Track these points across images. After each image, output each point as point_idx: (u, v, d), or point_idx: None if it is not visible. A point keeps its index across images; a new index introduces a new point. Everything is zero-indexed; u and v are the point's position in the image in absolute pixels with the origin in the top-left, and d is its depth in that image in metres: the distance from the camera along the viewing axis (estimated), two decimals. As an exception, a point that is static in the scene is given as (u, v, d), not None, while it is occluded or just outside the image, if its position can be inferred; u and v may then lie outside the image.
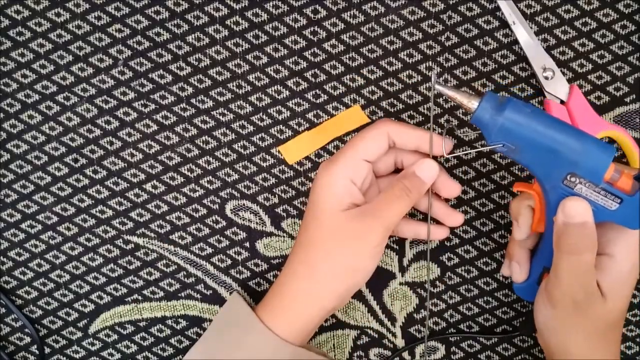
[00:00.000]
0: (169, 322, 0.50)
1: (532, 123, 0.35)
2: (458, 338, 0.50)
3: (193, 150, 0.48)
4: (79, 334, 0.50)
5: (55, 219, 0.49)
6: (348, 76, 0.47)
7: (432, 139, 0.41)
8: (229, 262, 0.50)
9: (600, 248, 0.38)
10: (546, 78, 0.45)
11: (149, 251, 0.49)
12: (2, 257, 0.49)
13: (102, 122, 0.48)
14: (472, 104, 0.37)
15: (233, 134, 0.48)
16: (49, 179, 0.48)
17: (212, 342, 0.44)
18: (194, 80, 0.47)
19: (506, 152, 0.37)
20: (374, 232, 0.40)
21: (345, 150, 0.42)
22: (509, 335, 0.50)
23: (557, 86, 0.45)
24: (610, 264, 0.38)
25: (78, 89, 0.47)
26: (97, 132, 0.48)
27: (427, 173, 0.41)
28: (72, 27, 0.47)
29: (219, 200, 0.49)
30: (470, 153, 0.46)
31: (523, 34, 0.46)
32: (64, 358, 0.50)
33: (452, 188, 0.43)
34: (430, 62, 0.47)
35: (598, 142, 0.36)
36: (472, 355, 0.50)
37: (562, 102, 0.46)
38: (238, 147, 0.48)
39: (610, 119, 0.48)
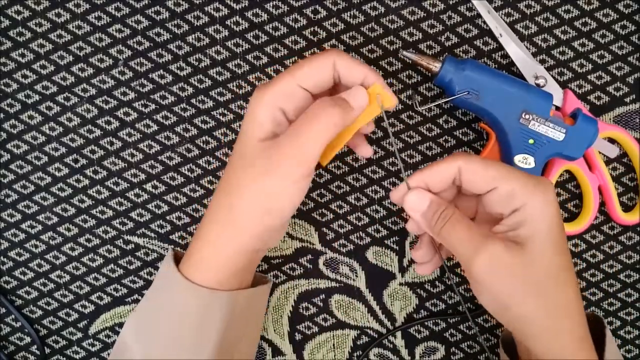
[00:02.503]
0: (169, 322, 0.50)
1: (490, 72, 0.43)
2: (458, 338, 0.50)
3: (193, 151, 0.48)
4: (79, 335, 0.50)
5: (55, 219, 0.49)
6: (348, 76, 0.47)
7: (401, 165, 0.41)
8: (229, 262, 0.49)
9: (512, 206, 0.36)
10: (538, 85, 0.46)
11: (149, 251, 0.49)
12: (2, 257, 0.49)
13: (102, 122, 0.48)
14: (435, 66, 0.43)
15: (233, 134, 0.48)
16: (49, 179, 0.48)
17: (145, 305, 0.41)
18: (194, 80, 0.47)
19: (471, 99, 0.43)
20: (290, 163, 0.35)
21: (282, 74, 0.37)
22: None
23: (550, 92, 0.44)
24: (520, 216, 0.36)
25: (78, 90, 0.47)
26: (98, 132, 0.48)
27: (356, 100, 0.37)
28: (73, 27, 0.47)
29: (219, 201, 0.49)
30: (440, 104, 0.46)
31: (511, 45, 0.46)
32: (64, 358, 0.50)
33: (366, 150, 0.43)
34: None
35: (539, 89, 0.44)
36: (472, 356, 0.50)
37: (557, 108, 0.46)
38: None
39: (610, 119, 0.48)
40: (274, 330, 0.50)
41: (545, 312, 0.36)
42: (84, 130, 0.48)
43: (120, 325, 0.50)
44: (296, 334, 0.50)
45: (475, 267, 0.35)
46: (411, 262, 0.49)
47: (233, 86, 0.47)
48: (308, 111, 0.36)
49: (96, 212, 0.49)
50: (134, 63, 0.47)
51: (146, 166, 0.48)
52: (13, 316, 0.49)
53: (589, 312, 0.42)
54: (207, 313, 0.39)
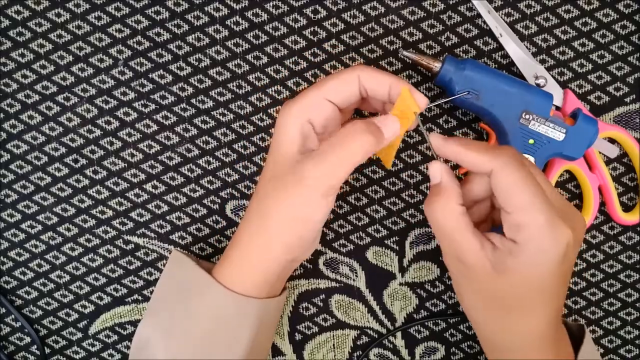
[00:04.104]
0: (169, 322, 0.50)
1: (490, 72, 0.43)
2: (458, 338, 0.50)
3: (193, 151, 0.48)
4: (79, 335, 0.50)
5: (55, 219, 0.49)
6: (348, 76, 0.47)
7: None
8: (229, 262, 0.49)
9: (507, 208, 0.36)
10: (538, 85, 0.46)
11: (149, 251, 0.49)
12: (2, 257, 0.49)
13: (102, 122, 0.48)
14: (435, 65, 0.43)
15: (233, 134, 0.48)
16: (49, 179, 0.48)
17: (170, 306, 0.41)
18: (194, 80, 0.47)
19: (471, 99, 0.43)
20: (318, 178, 0.36)
21: (309, 88, 0.39)
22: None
23: (551, 92, 0.44)
24: (514, 218, 0.35)
25: (78, 89, 0.47)
26: (97, 132, 0.48)
27: (388, 129, 0.37)
28: (72, 27, 0.47)
29: (219, 200, 0.49)
30: (440, 104, 0.46)
31: (511, 45, 0.46)
32: (64, 358, 0.50)
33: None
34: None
35: (539, 89, 0.44)
36: (472, 356, 0.50)
37: (557, 108, 0.46)
38: (238, 147, 0.48)
39: (610, 119, 0.48)
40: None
41: (508, 335, 0.38)
42: (84, 130, 0.48)
43: (121, 325, 0.50)
44: (296, 334, 0.50)
45: (473, 255, 0.36)
46: (411, 262, 0.49)
47: (233, 86, 0.47)
48: (341, 133, 0.37)
49: (96, 212, 0.49)
50: (134, 63, 0.47)
51: (146, 166, 0.48)
52: (13, 316, 0.49)
53: (573, 322, 0.44)
54: (241, 319, 0.40)
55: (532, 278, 0.35)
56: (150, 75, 0.47)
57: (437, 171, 0.38)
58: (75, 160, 0.48)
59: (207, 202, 0.49)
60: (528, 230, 0.35)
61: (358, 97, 0.39)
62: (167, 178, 0.48)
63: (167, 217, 0.49)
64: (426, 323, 0.50)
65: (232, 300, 0.39)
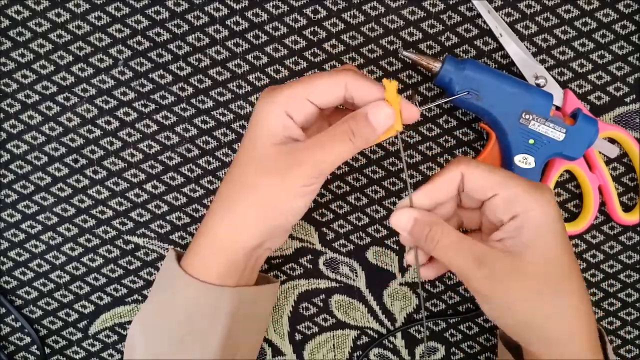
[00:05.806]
0: (169, 322, 0.50)
1: (490, 72, 0.43)
2: (458, 338, 0.50)
3: (193, 151, 0.48)
4: (79, 335, 0.50)
5: (55, 219, 0.49)
6: (348, 76, 0.47)
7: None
8: (229, 262, 0.49)
9: (512, 212, 0.36)
10: (538, 85, 0.46)
11: (149, 251, 0.49)
12: (2, 257, 0.49)
13: (102, 122, 0.48)
14: (435, 65, 0.43)
15: (233, 134, 0.48)
16: (49, 179, 0.48)
17: (148, 304, 0.41)
18: (194, 80, 0.47)
19: (470, 99, 0.43)
20: (300, 171, 0.36)
21: (293, 83, 0.38)
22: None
23: (551, 92, 0.45)
24: (520, 221, 0.35)
25: (78, 89, 0.47)
26: (97, 132, 0.48)
27: (380, 118, 0.36)
28: (72, 27, 0.47)
29: (219, 201, 0.49)
30: (440, 104, 0.46)
31: (511, 45, 0.46)
32: (64, 358, 0.50)
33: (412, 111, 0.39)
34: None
35: (539, 89, 0.44)
36: (472, 356, 0.50)
37: (557, 108, 0.46)
38: (238, 147, 0.48)
39: (610, 119, 0.48)
40: (274, 330, 0.50)
41: (546, 317, 0.36)
42: (84, 130, 0.48)
43: (120, 325, 0.50)
44: (296, 334, 0.50)
45: (475, 282, 0.35)
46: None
47: (233, 86, 0.47)
48: (332, 129, 0.37)
49: (96, 212, 0.49)
50: (134, 63, 0.47)
51: (146, 166, 0.48)
52: (13, 316, 0.49)
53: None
54: (210, 308, 0.39)
55: (551, 239, 0.35)
56: (150, 75, 0.47)
57: (401, 220, 0.37)
58: (75, 160, 0.48)
59: (207, 202, 0.49)
60: (521, 197, 0.35)
61: (341, 102, 0.38)
62: (167, 178, 0.48)
63: (167, 217, 0.49)
64: (426, 323, 0.50)
65: (198, 290, 0.39)
